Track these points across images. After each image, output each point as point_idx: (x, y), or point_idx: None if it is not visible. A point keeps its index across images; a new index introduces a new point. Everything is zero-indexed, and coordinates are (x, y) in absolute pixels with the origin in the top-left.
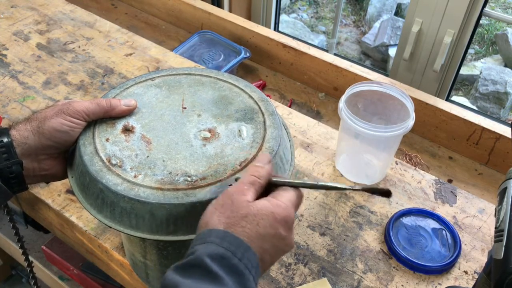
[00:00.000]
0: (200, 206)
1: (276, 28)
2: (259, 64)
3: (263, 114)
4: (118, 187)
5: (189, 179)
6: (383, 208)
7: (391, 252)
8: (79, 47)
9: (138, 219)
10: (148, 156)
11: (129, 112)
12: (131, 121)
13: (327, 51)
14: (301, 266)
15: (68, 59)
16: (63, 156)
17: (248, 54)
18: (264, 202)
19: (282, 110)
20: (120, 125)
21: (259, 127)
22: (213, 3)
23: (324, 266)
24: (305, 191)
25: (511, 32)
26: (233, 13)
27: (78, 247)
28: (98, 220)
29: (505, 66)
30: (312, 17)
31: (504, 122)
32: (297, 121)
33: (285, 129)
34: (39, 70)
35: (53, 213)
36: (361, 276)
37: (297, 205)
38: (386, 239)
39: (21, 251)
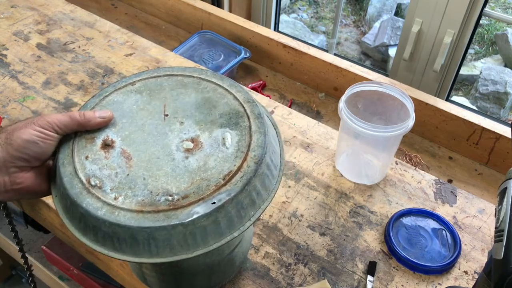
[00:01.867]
0: (182, 227)
1: (276, 28)
2: (259, 64)
3: (248, 118)
4: (98, 212)
5: (170, 198)
6: (383, 208)
7: (391, 252)
8: (79, 47)
9: (120, 243)
10: (128, 174)
11: (105, 124)
12: (110, 135)
13: (327, 51)
14: (301, 266)
15: (68, 59)
16: (37, 171)
17: (248, 54)
18: None
19: (282, 110)
20: (99, 140)
21: (244, 133)
22: (213, 3)
23: (324, 266)
24: (305, 190)
25: (511, 32)
26: (233, 13)
27: (78, 247)
28: (83, 242)
29: (505, 66)
30: (312, 17)
31: (504, 122)
32: (297, 121)
33: (275, 129)
34: (39, 70)
35: (53, 213)
36: (361, 276)
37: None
38: (386, 239)
39: (20, 253)
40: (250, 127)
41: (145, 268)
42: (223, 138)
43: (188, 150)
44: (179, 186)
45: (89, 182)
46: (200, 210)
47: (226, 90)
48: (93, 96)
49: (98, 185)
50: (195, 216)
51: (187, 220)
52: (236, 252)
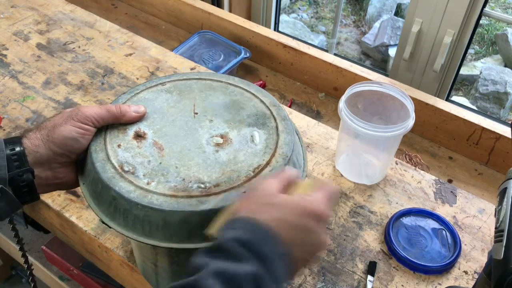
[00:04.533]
0: (214, 214)
1: (276, 28)
2: (259, 64)
3: (275, 119)
4: (131, 195)
5: (202, 186)
6: (383, 208)
7: (391, 252)
8: (79, 47)
9: (151, 227)
10: (161, 163)
11: (139, 119)
12: (142, 127)
13: (327, 51)
14: None
15: (68, 59)
16: (73, 164)
17: (248, 54)
18: (293, 196)
19: None
20: (131, 131)
21: (272, 133)
22: (213, 3)
23: (324, 266)
24: None
25: (511, 32)
26: (233, 13)
27: (78, 247)
28: (111, 228)
29: (505, 66)
30: (312, 17)
31: (504, 122)
32: (297, 121)
33: (297, 135)
34: (39, 70)
35: (53, 213)
36: (361, 276)
37: (331, 200)
38: (386, 239)
39: (20, 252)
40: (277, 127)
41: (160, 268)
42: (252, 136)
43: (218, 145)
44: (210, 176)
45: (122, 168)
46: (231, 197)
47: (253, 94)
48: (124, 93)
49: (131, 170)
50: (227, 203)
51: (219, 206)
52: None
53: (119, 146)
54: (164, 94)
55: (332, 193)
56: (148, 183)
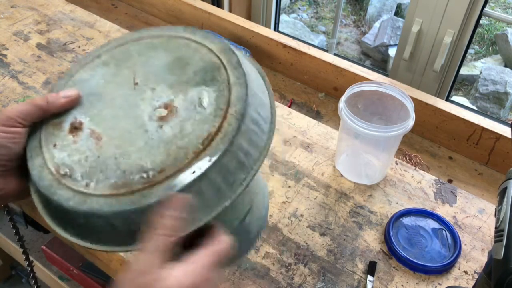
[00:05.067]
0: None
1: (276, 28)
2: (259, 64)
3: (226, 70)
4: (70, 202)
5: (144, 175)
6: (383, 208)
7: (391, 252)
8: (79, 47)
9: (100, 233)
10: (98, 156)
11: (72, 104)
12: (78, 116)
13: (327, 51)
14: (301, 266)
15: (68, 59)
16: (18, 171)
17: (248, 54)
18: (174, 276)
19: (282, 110)
20: (67, 124)
21: (222, 88)
22: (213, 3)
23: (324, 266)
24: (305, 190)
25: (511, 32)
26: (233, 13)
27: (78, 247)
28: (66, 239)
29: (505, 66)
30: (312, 17)
31: (504, 122)
32: (297, 121)
33: (262, 78)
34: (39, 70)
35: None
36: (361, 276)
37: (215, 263)
38: (386, 239)
39: (21, 250)
40: (228, 80)
41: None
42: (200, 98)
43: (162, 118)
44: (154, 160)
45: (58, 172)
46: (178, 182)
47: (199, 43)
48: (59, 78)
49: (68, 173)
50: (174, 191)
51: (164, 197)
52: (249, 221)
53: (54, 145)
54: (100, 69)
55: (218, 251)
56: (87, 185)
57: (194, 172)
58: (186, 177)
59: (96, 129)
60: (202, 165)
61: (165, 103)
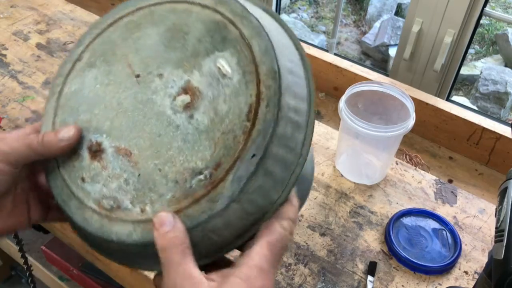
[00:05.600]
0: (236, 203)
1: None
2: None
3: (233, 24)
4: (133, 237)
5: (202, 177)
6: (383, 208)
7: (392, 252)
8: None
9: None
10: (139, 175)
11: (74, 143)
12: (92, 137)
13: (327, 51)
14: (301, 266)
15: None
16: (6, 205)
17: None
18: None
19: None
20: (83, 150)
21: (240, 47)
22: None
23: (324, 267)
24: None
25: None
26: None
27: (78, 247)
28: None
29: (506, 66)
30: (312, 16)
31: (504, 122)
32: None
33: (283, 27)
34: (39, 70)
35: None
36: (361, 277)
37: (278, 257)
38: (387, 239)
39: (20, 253)
40: (242, 35)
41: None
42: (219, 68)
43: (187, 106)
44: (203, 157)
45: (103, 208)
46: (242, 173)
47: (186, 2)
48: (47, 101)
49: (115, 205)
50: (242, 183)
51: (236, 192)
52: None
53: (83, 180)
54: (88, 73)
55: (279, 240)
56: (142, 211)
57: (254, 155)
58: (248, 164)
59: (121, 145)
60: (259, 144)
61: (183, 87)
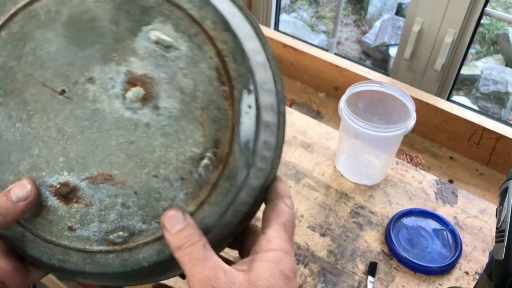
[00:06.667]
0: (253, 167)
1: (276, 28)
2: None
3: None
4: (166, 251)
5: (207, 161)
6: (384, 209)
7: (392, 252)
8: None
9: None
10: (136, 192)
11: (33, 202)
12: (51, 180)
13: (327, 50)
14: (301, 266)
15: None
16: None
17: None
18: (262, 267)
19: None
20: (50, 199)
21: (168, 11)
22: None
23: (324, 267)
24: (305, 191)
25: None
26: None
27: None
28: None
29: (506, 66)
30: (312, 16)
31: (505, 122)
32: (297, 121)
33: None
34: None
35: None
36: (361, 277)
37: (291, 239)
38: (387, 239)
39: None
40: None
41: None
42: (156, 42)
43: (145, 99)
44: (196, 141)
45: (113, 243)
46: (247, 136)
47: None
48: None
49: (126, 234)
50: (251, 146)
51: (250, 157)
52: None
53: (71, 229)
54: None
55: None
56: (157, 228)
57: (247, 112)
58: (247, 125)
59: (92, 173)
60: (247, 101)
61: (126, 81)
